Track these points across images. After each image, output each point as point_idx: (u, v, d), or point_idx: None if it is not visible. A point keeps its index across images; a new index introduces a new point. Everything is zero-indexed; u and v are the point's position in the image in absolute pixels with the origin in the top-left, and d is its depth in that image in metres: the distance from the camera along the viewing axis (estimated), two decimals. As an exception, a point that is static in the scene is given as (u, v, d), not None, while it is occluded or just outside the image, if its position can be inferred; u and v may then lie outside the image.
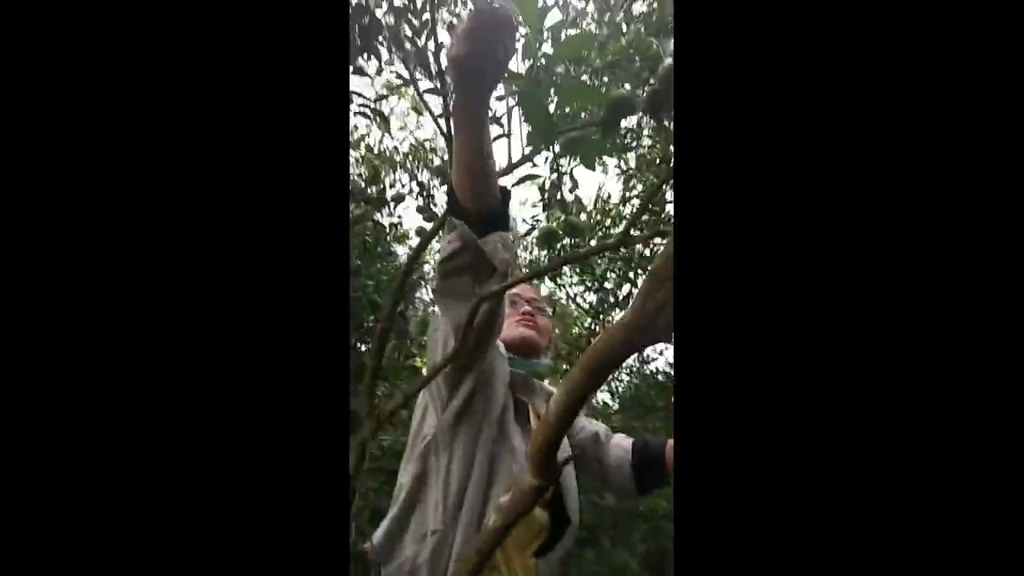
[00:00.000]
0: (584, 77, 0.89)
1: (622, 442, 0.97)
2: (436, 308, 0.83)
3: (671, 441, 0.92)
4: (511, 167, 0.93)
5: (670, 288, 0.29)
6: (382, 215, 2.57)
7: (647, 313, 0.28)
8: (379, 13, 1.09)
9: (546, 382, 1.02)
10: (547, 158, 0.94)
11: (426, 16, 1.15)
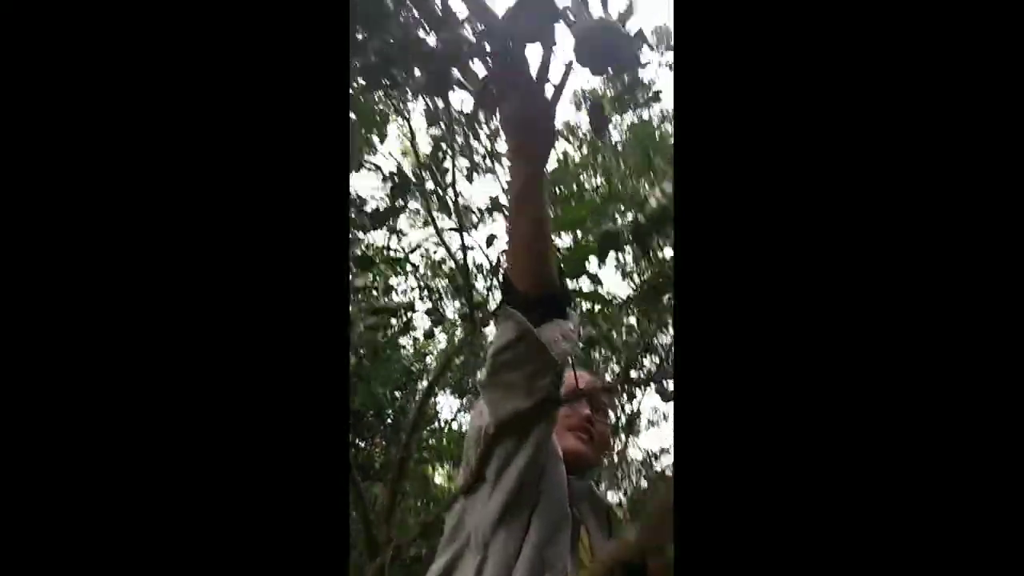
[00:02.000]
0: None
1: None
2: (481, 399, 0.76)
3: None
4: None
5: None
6: (391, 320, 2.66)
7: None
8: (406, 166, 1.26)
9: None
10: None
11: (446, 164, 1.31)
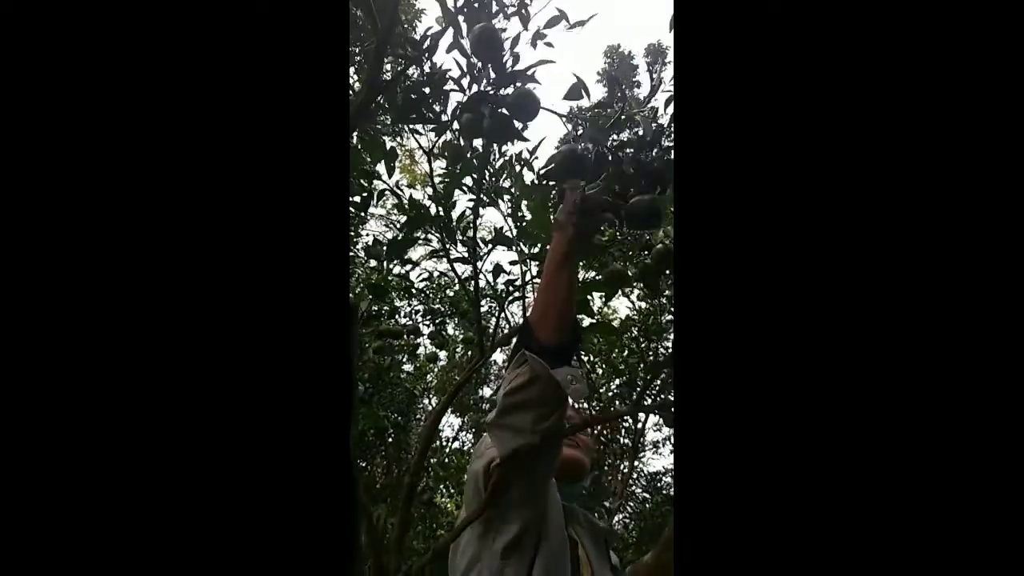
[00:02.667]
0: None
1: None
2: (486, 437, 0.82)
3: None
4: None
5: None
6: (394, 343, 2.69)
7: None
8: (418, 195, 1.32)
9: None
10: None
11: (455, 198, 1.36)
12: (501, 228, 1.49)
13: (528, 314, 0.82)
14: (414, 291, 2.97)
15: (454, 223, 1.37)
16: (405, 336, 2.49)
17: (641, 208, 0.84)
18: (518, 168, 1.35)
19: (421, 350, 3.33)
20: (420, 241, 1.33)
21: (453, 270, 1.41)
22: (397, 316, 2.93)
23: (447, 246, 1.28)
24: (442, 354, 3.19)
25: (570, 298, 0.77)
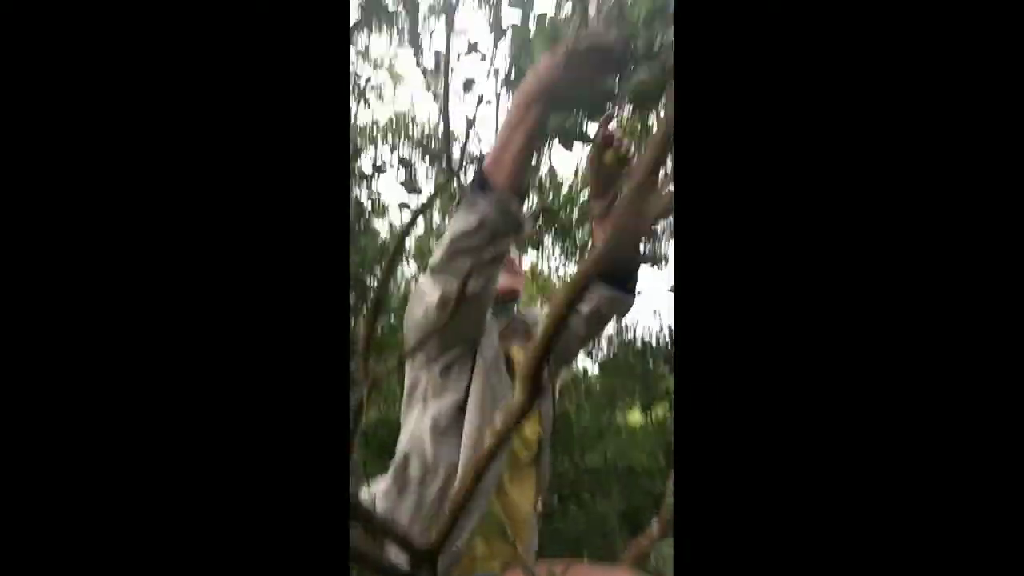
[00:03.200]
0: None
1: None
2: (423, 281, 0.87)
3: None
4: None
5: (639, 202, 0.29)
6: (361, 191, 2.58)
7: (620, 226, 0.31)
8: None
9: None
10: None
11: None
12: (475, 43, 1.30)
13: (486, 160, 0.84)
14: (379, 133, 2.78)
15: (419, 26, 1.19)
16: (368, 177, 2.36)
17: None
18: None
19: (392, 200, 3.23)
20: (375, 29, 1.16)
21: (427, 82, 1.25)
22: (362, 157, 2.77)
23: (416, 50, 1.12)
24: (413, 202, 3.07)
25: (529, 144, 0.77)
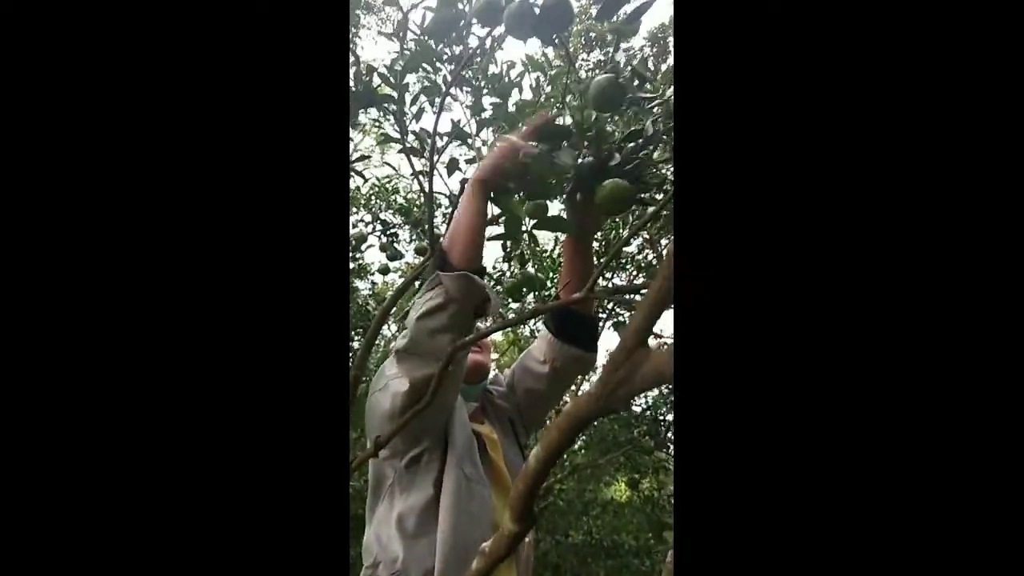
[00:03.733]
0: None
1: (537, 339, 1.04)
2: (388, 366, 0.82)
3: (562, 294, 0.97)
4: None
5: (627, 370, 0.31)
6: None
7: (610, 386, 0.32)
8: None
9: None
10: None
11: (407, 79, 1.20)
12: (459, 121, 1.32)
13: (442, 239, 0.84)
14: (361, 199, 2.80)
15: (407, 106, 1.21)
16: (353, 245, 2.35)
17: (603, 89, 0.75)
18: (484, 54, 1.18)
19: (374, 263, 3.21)
20: (366, 126, 1.18)
21: (409, 161, 1.26)
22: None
23: (402, 135, 1.13)
24: (393, 265, 3.06)
25: (482, 222, 0.80)
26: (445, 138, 1.26)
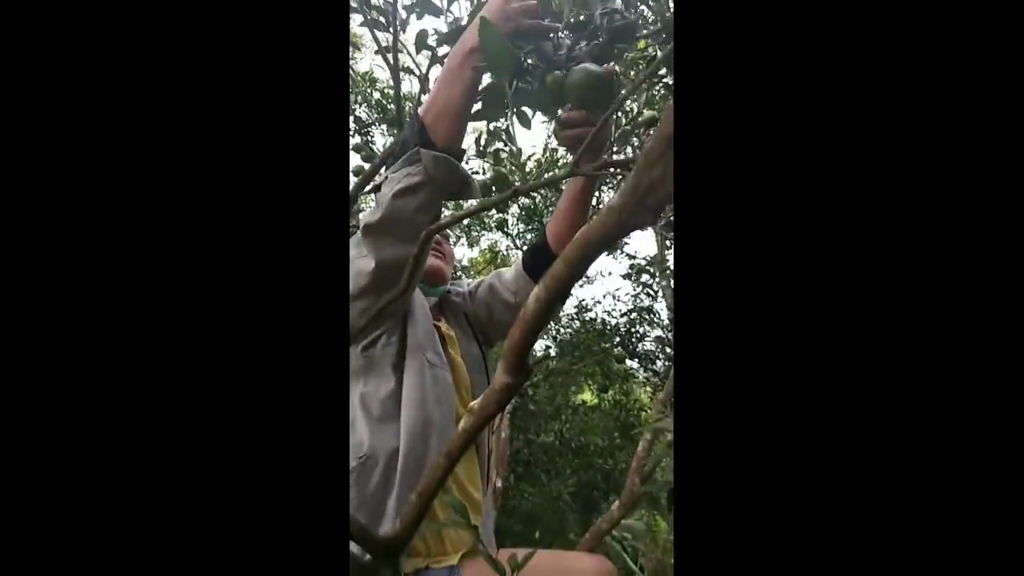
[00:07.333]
0: None
1: (512, 266, 1.01)
2: (355, 242, 0.77)
3: (550, 225, 0.93)
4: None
5: (662, 170, 0.28)
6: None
7: (641, 190, 0.28)
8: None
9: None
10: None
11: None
12: None
13: (420, 111, 0.75)
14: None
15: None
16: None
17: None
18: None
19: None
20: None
21: (373, 35, 1.15)
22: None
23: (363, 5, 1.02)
24: (367, 166, 2.92)
25: (471, 98, 0.71)
26: (415, 11, 1.14)
